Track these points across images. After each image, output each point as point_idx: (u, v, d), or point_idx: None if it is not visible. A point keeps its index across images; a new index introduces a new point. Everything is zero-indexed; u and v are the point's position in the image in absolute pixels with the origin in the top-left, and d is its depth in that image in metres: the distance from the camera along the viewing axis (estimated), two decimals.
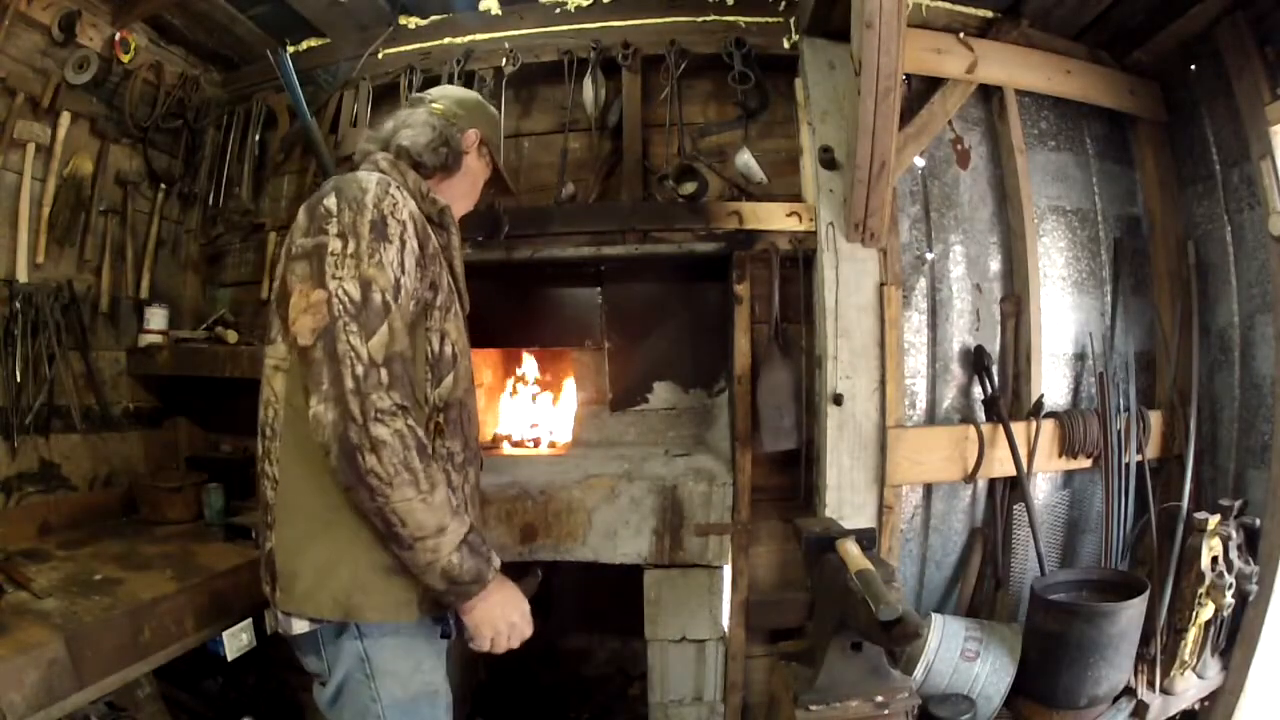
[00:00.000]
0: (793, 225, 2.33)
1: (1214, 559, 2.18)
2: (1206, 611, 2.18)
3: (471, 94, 1.66)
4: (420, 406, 1.28)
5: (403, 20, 2.62)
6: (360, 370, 1.10)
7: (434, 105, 1.53)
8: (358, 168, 1.41)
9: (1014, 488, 2.41)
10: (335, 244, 1.16)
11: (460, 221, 1.50)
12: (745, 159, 2.38)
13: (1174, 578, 2.25)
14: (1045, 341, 2.48)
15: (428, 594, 1.24)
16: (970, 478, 2.34)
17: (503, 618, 1.26)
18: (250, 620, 1.84)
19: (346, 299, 1.12)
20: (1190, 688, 2.27)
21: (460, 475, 1.33)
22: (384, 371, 1.11)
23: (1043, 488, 2.54)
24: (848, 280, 2.25)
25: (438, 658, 1.34)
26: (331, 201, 1.20)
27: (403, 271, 1.19)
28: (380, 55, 2.63)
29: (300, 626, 1.24)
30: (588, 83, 2.46)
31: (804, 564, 1.84)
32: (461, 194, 1.57)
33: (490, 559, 1.22)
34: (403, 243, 1.20)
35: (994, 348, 2.49)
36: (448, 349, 1.32)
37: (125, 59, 2.41)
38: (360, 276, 1.14)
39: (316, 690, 1.31)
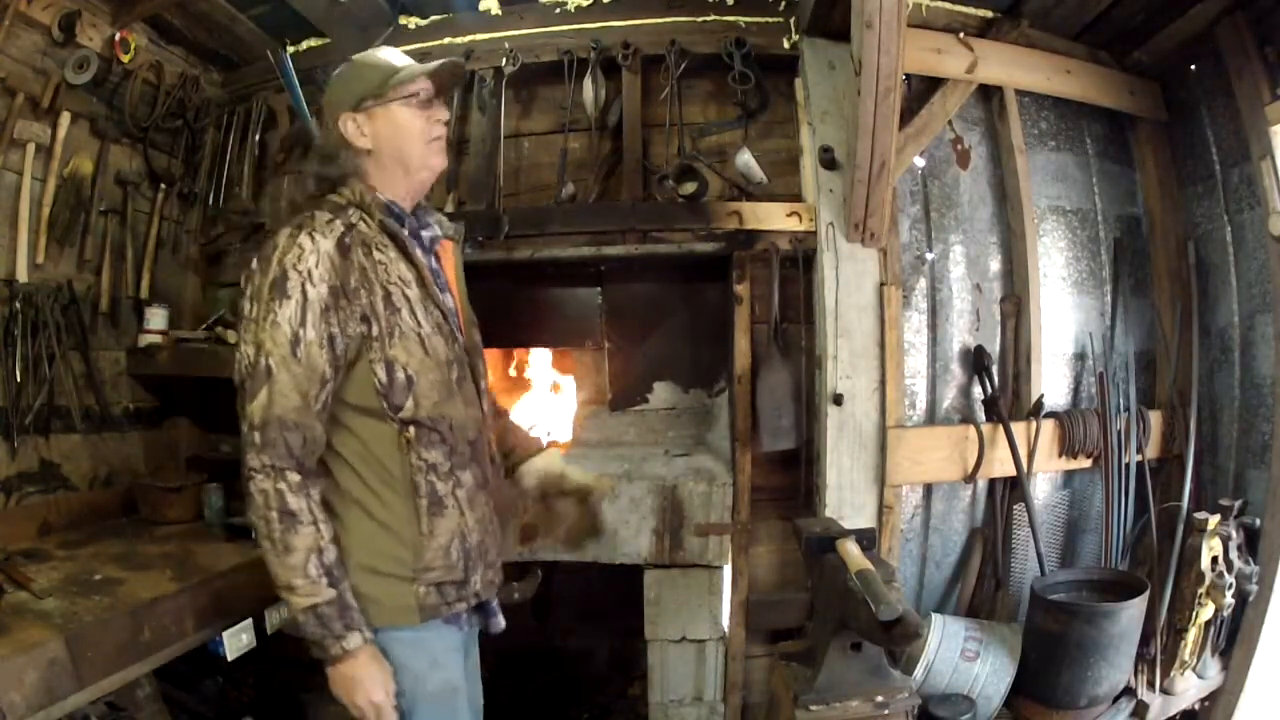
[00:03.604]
0: (793, 225, 2.33)
1: (1214, 559, 2.18)
2: (1206, 611, 2.19)
3: (335, 75, 1.39)
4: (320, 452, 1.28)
5: (403, 20, 2.61)
6: (245, 430, 1.20)
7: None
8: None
9: (1014, 488, 2.41)
10: (246, 307, 1.24)
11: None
12: (745, 159, 2.38)
13: (1174, 578, 2.25)
14: (1045, 341, 2.48)
15: (428, 598, 1.28)
16: (970, 478, 2.34)
17: (349, 695, 1.23)
18: (250, 620, 1.84)
19: (246, 362, 1.21)
20: (1190, 688, 2.27)
21: (447, 482, 1.32)
22: (258, 435, 1.19)
23: (1043, 488, 2.54)
24: (848, 280, 2.25)
25: (455, 653, 1.36)
26: (255, 263, 1.27)
27: (302, 324, 1.21)
28: None
29: None
30: (588, 83, 2.45)
31: (804, 564, 1.85)
32: (400, 160, 1.34)
33: (342, 636, 1.19)
34: (304, 294, 1.21)
35: (994, 348, 2.49)
36: (399, 375, 1.28)
37: (125, 59, 2.40)
38: (255, 340, 1.21)
39: None
